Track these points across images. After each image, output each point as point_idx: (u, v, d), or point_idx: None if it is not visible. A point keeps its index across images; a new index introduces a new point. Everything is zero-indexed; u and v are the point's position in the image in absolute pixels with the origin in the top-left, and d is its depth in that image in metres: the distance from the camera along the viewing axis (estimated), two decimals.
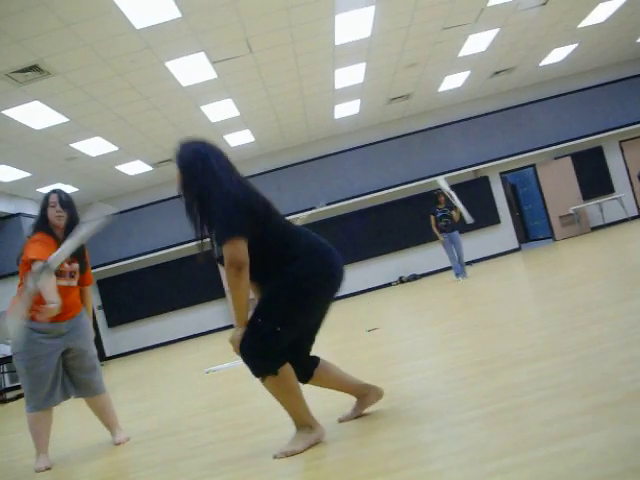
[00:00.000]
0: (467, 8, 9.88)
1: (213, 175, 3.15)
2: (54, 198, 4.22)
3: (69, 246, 3.90)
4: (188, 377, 7.66)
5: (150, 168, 14.68)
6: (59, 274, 4.11)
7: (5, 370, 11.70)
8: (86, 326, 4.38)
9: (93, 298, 4.65)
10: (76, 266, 4.29)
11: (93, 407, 4.39)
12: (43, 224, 4.22)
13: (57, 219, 4.19)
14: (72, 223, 4.21)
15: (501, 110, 16.30)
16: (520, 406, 2.88)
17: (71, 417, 6.40)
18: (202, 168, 3.16)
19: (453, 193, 11.74)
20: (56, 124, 10.26)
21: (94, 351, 4.41)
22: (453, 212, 12.04)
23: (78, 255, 4.29)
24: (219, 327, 16.27)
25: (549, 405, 2.79)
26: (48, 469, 4.08)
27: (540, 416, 2.68)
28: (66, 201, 4.25)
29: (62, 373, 4.24)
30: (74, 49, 7.93)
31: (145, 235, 16.20)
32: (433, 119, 16.36)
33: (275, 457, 3.05)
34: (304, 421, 3.15)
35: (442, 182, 11.91)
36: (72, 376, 4.30)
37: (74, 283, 4.30)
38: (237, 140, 14.16)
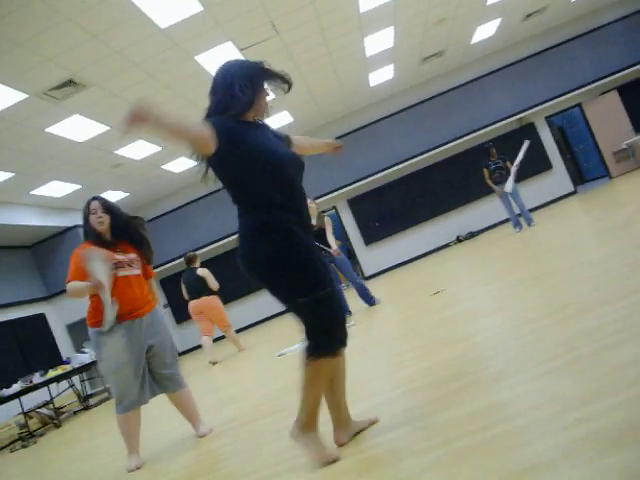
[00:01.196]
0: None
1: None
2: (94, 205, 4.29)
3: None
4: (261, 362, 7.77)
5: (194, 163, 14.79)
6: (117, 265, 4.18)
7: (85, 378, 12.08)
8: (162, 320, 4.43)
9: (158, 292, 4.69)
10: (132, 256, 4.32)
11: (176, 402, 4.46)
12: (89, 232, 4.30)
13: (99, 225, 4.25)
14: (117, 225, 4.31)
15: (538, 53, 15.84)
16: (594, 353, 2.84)
17: (153, 415, 6.56)
18: None
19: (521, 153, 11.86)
20: (98, 134, 10.46)
21: (174, 345, 4.48)
22: (507, 163, 11.91)
23: (137, 244, 4.38)
24: (276, 313, 16.32)
25: (624, 348, 2.75)
26: (139, 468, 4.22)
27: (616, 360, 2.64)
28: (107, 206, 4.32)
29: (147, 372, 4.32)
30: (104, 58, 8.06)
31: (198, 230, 16.41)
32: (470, 72, 16.05)
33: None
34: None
35: (525, 145, 11.93)
36: (154, 373, 4.36)
37: (136, 272, 4.32)
38: (275, 123, 14.17)
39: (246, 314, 16.60)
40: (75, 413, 10.77)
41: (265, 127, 3.08)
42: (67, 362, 11.42)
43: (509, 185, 11.75)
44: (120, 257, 4.24)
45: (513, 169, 11.79)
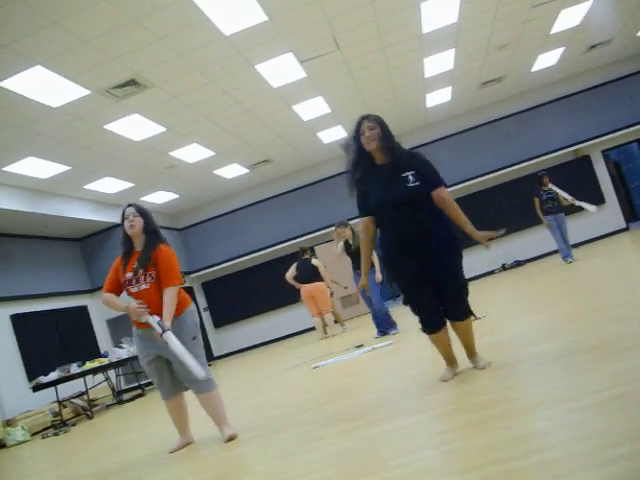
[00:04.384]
0: None
1: None
2: (127, 211, 4.57)
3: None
4: (296, 373, 7.77)
5: (246, 170, 14.96)
6: (129, 283, 4.46)
7: (120, 373, 12.22)
8: (178, 331, 4.36)
9: (172, 299, 4.38)
10: (140, 272, 4.47)
11: (201, 403, 4.59)
12: (123, 239, 4.60)
13: (130, 228, 4.51)
14: (149, 229, 4.56)
15: (599, 85, 15.63)
16: (639, 391, 2.77)
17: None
18: None
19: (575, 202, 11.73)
20: (155, 134, 10.64)
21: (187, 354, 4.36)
22: (560, 195, 11.71)
23: (145, 262, 4.47)
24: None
25: None
26: (179, 448, 4.61)
27: None
28: (138, 210, 4.58)
29: (167, 371, 4.59)
30: (167, 61, 8.20)
31: (245, 236, 16.54)
32: (528, 100, 15.91)
33: (482, 368, 4.22)
34: (475, 349, 4.35)
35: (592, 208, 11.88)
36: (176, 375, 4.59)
37: (143, 287, 4.42)
38: (330, 137, 14.23)
39: (290, 323, 16.64)
40: (108, 407, 10.91)
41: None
42: (104, 355, 11.59)
43: (592, 207, 11.65)
44: (128, 275, 4.47)
45: (574, 202, 11.61)
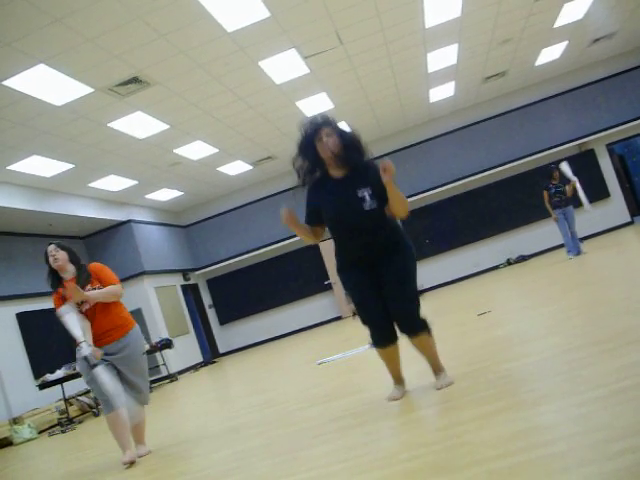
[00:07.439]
0: None
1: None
2: (49, 249, 4.76)
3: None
4: (301, 369, 7.77)
5: (250, 167, 14.96)
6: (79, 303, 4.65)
7: None
8: (130, 347, 4.73)
9: (109, 290, 4.71)
10: (88, 287, 4.67)
11: (132, 415, 4.68)
12: (51, 276, 4.80)
13: (54, 262, 4.70)
14: (74, 259, 4.79)
15: (604, 78, 15.56)
16: None
17: (192, 410, 6.61)
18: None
19: (576, 179, 11.62)
20: (158, 132, 10.63)
21: (139, 370, 4.76)
22: (567, 187, 11.72)
23: (87, 278, 4.71)
24: (327, 319, 16.45)
25: None
26: (132, 462, 4.54)
27: None
28: (59, 245, 4.78)
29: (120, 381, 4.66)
30: (170, 58, 8.19)
31: (250, 233, 16.55)
32: (531, 94, 15.84)
33: (438, 389, 3.87)
34: (441, 365, 4.04)
35: (565, 167, 11.69)
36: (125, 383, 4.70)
37: (87, 305, 4.68)
38: None
39: (295, 319, 16.69)
40: None
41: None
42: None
43: (587, 205, 11.66)
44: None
45: (577, 185, 11.63)
